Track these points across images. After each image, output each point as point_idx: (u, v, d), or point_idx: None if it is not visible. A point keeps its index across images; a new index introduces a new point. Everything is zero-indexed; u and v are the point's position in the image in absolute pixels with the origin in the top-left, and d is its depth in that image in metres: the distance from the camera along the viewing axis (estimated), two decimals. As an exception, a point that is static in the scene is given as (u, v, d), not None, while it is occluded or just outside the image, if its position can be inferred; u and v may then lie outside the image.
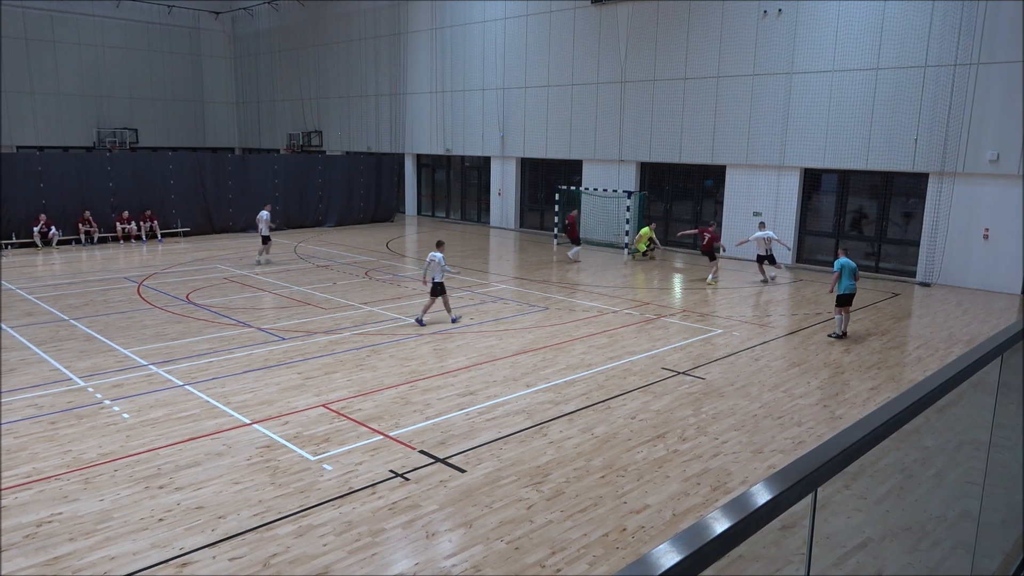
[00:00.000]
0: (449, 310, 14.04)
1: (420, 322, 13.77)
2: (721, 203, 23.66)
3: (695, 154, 23.76)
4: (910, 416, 2.51)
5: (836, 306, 13.42)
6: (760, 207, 22.41)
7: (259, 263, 20.50)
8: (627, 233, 23.99)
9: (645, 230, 23.39)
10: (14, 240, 22.65)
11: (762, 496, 1.80)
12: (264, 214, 20.61)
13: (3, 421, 8.89)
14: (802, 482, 1.92)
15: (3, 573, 5.82)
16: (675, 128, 24.11)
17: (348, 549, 6.19)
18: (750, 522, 1.71)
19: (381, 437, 8.55)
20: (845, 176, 21.16)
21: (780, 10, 21.10)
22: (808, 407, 9.89)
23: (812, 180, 21.87)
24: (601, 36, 25.71)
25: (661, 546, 1.51)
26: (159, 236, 25.13)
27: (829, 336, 13.45)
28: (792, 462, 2.02)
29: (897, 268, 20.33)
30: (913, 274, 19.73)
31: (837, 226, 21.58)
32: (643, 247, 23.49)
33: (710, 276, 18.98)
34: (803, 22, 20.77)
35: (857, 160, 20.22)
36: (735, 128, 22.63)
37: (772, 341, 13.21)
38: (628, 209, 23.94)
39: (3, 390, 10.00)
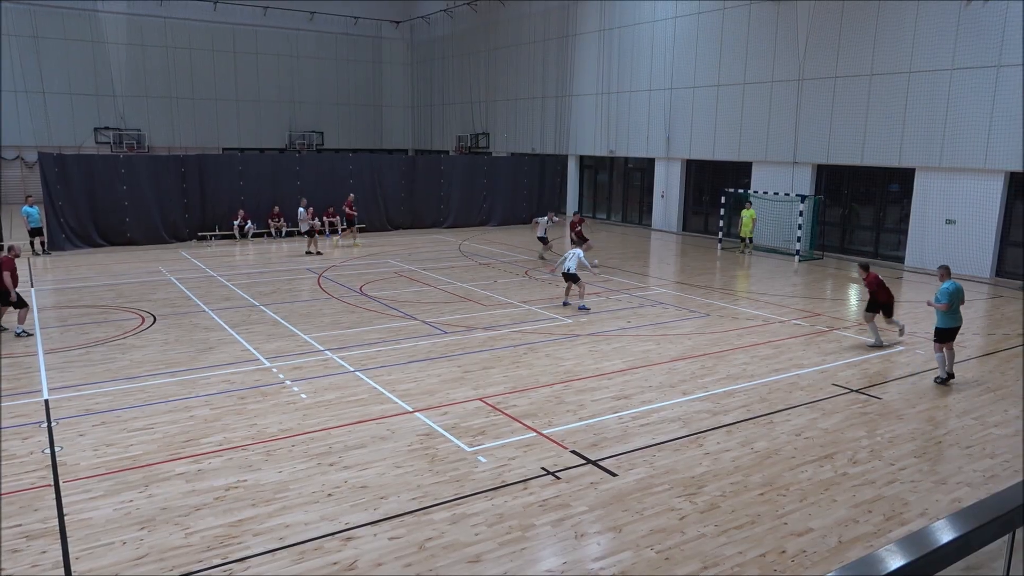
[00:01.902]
0: (582, 297, 15.36)
1: (565, 303, 15.48)
2: (908, 208, 21.75)
3: (880, 156, 22.00)
4: None
5: (937, 342, 10.74)
6: (956, 215, 20.35)
7: (309, 252, 22.21)
8: (799, 239, 22.71)
9: (751, 211, 22.71)
10: (217, 232, 25.25)
11: (947, 532, 1.63)
12: (301, 210, 22.46)
13: (202, 394, 9.94)
14: (997, 521, 1.73)
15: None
16: (858, 128, 22.46)
17: (498, 541, 6.33)
18: (933, 560, 1.56)
19: (534, 434, 8.67)
20: (1061, 181, 18.73)
21: (987, -3, 19.02)
22: (1004, 438, 8.86)
23: (1020, 186, 19.54)
24: (778, 32, 24.48)
25: (828, 575, 1.42)
26: (339, 231, 27.01)
27: (936, 381, 10.84)
28: (986, 498, 1.82)
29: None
30: None
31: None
32: (749, 233, 22.86)
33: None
34: (1014, 10, 18.58)
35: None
36: (928, 127, 20.69)
37: (964, 362, 11.95)
38: (801, 214, 22.64)
39: (204, 365, 11.18)
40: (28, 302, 13.37)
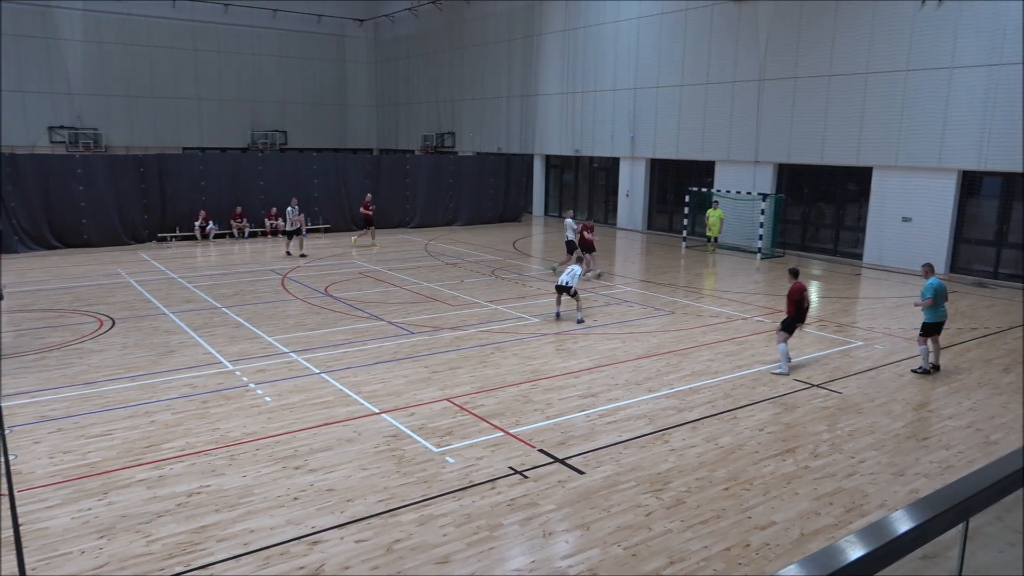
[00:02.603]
0: (579, 309, 14.55)
1: (558, 315, 14.58)
2: (866, 207, 22.24)
3: (839, 155, 22.46)
4: (1083, 447, 2.25)
5: (923, 335, 11.20)
6: (911, 212, 20.86)
7: (297, 255, 21.65)
8: (761, 238, 23.07)
9: (719, 211, 22.87)
10: (177, 233, 24.79)
11: (905, 523, 1.67)
12: (290, 210, 21.90)
13: (163, 398, 9.75)
14: (951, 511, 1.77)
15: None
16: (817, 127, 22.89)
17: (467, 541, 6.32)
18: (891, 550, 1.60)
19: (502, 434, 8.68)
20: (1011, 179, 19.31)
21: (940, 0, 19.53)
22: (958, 430, 9.11)
23: (971, 184, 20.11)
24: (740, 33, 24.83)
25: (789, 567, 1.44)
26: (303, 231, 26.68)
27: (914, 371, 11.34)
28: (941, 488, 1.86)
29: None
30: (1090, 289, 17.72)
31: (999, 234, 19.74)
32: (716, 230, 23.06)
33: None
34: (967, 11, 19.11)
35: (1026, 162, 18.39)
36: (885, 127, 21.18)
37: (919, 357, 12.25)
38: (763, 213, 23.01)
39: (165, 369, 10.97)
40: None
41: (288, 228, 22.27)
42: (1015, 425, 9.27)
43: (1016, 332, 14.11)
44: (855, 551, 1.54)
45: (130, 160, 24.16)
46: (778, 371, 11.19)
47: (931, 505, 1.76)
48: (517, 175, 32.58)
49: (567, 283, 14.16)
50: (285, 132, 44.27)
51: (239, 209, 25.65)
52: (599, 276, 19.05)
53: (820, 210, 24.20)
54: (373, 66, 47.84)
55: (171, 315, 14.33)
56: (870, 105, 21.45)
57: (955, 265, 20.31)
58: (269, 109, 44.06)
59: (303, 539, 6.32)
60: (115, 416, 9.07)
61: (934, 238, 20.34)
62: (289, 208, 22.39)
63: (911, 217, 20.86)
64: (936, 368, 11.41)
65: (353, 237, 24.84)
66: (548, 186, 35.42)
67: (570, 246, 19.31)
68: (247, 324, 13.70)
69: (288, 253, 22.13)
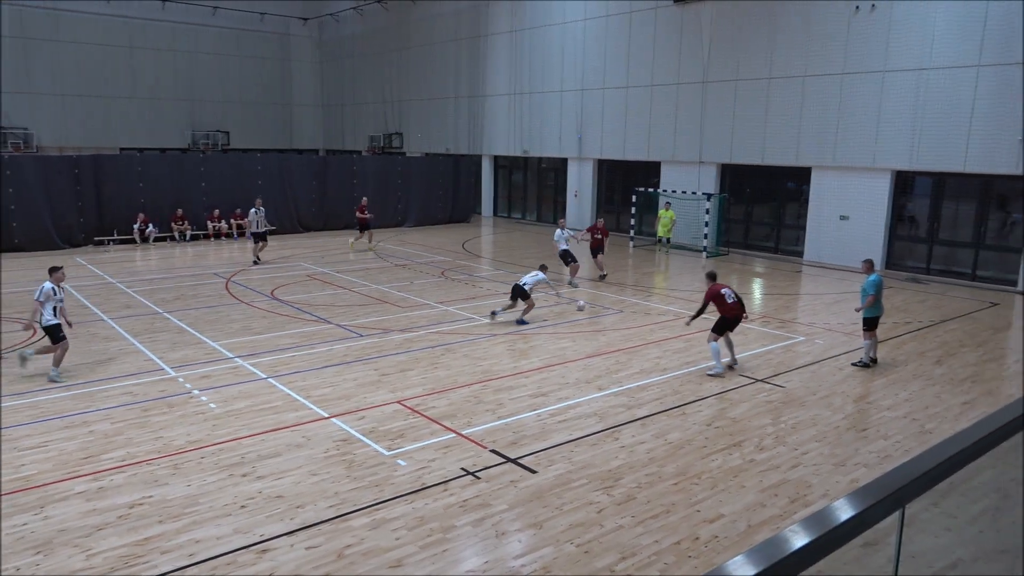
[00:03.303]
0: (525, 313, 14.45)
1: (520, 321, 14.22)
2: (805, 206, 22.91)
3: (779, 156, 23.06)
4: (1008, 434, 2.37)
5: (867, 330, 11.55)
6: (848, 211, 21.56)
7: (256, 262, 20.49)
8: (706, 236, 23.52)
9: (670, 213, 23.16)
10: (115, 236, 24.00)
11: (846, 511, 1.73)
12: (253, 211, 20.75)
13: (102, 407, 9.43)
14: (889, 498, 1.84)
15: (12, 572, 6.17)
16: (758, 129, 23.47)
17: (420, 544, 6.28)
18: (832, 538, 1.65)
19: (454, 435, 8.65)
20: (940, 179, 20.14)
21: (873, 6, 20.24)
22: (895, 420, 9.45)
23: (904, 183, 20.89)
24: (683, 36, 25.28)
25: (737, 558, 1.47)
26: (247, 234, 26.14)
27: (855, 364, 11.69)
28: (879, 477, 1.93)
29: (996, 276, 19.19)
30: (1014, 283, 18.59)
31: (931, 232, 20.56)
32: (667, 231, 23.31)
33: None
34: (898, 17, 19.86)
35: (954, 162, 19.20)
36: (822, 129, 21.84)
37: (858, 350, 12.66)
38: (708, 212, 23.47)
39: (103, 377, 10.60)
40: None
41: (256, 230, 20.64)
42: (948, 414, 9.66)
43: (948, 325, 14.70)
44: (799, 540, 1.59)
45: (63, 161, 23.29)
46: (712, 372, 11.14)
47: (870, 493, 1.82)
48: (466, 176, 32.52)
49: (527, 285, 13.95)
50: (227, 132, 43.26)
51: (180, 211, 24.98)
52: (575, 284, 18.38)
53: (781, 210, 24.62)
54: (318, 65, 47.15)
55: (110, 321, 13.87)
56: (808, 107, 22.10)
57: (890, 262, 21.06)
58: (210, 109, 43.01)
59: (251, 548, 6.19)
60: (50, 427, 8.73)
61: (870, 236, 21.06)
62: (253, 209, 21.00)
63: (848, 215, 21.55)
64: (874, 361, 11.81)
65: (350, 240, 24.06)
66: (497, 187, 35.46)
67: (566, 256, 18.25)
68: (190, 329, 13.36)
69: (256, 260, 20.69)
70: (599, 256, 19.02)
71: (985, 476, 2.74)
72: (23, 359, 10.66)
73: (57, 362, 10.54)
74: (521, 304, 14.26)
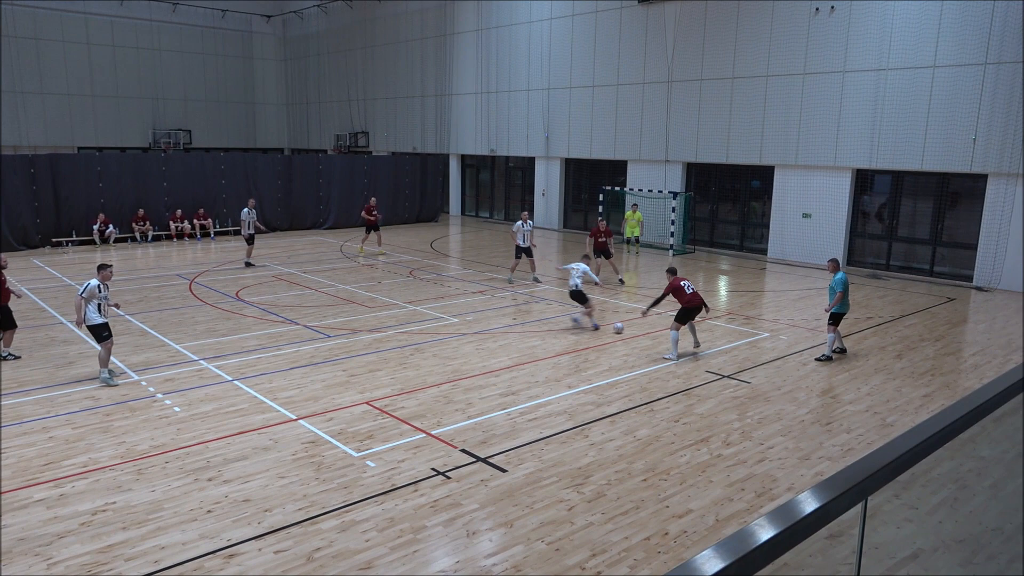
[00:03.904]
0: (591, 316, 13.96)
1: (595, 326, 13.81)
2: (769, 204, 23.26)
3: (743, 154, 23.38)
4: (966, 425, 2.43)
5: (832, 325, 11.92)
6: (811, 208, 21.95)
7: (249, 264, 19.96)
8: (672, 234, 23.74)
9: (638, 214, 23.21)
10: (74, 237, 23.46)
11: (810, 504, 1.76)
12: (245, 211, 20.00)
13: (62, 412, 9.22)
14: (852, 490, 1.87)
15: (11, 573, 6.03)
16: (722, 128, 23.76)
17: (390, 545, 6.25)
18: (797, 530, 1.68)
19: (423, 435, 8.62)
20: (899, 177, 20.60)
21: (832, 7, 20.62)
22: (858, 414, 9.65)
23: (864, 181, 21.33)
24: (648, 36, 25.49)
25: (704, 552, 1.49)
26: (211, 234, 25.75)
27: (818, 359, 11.96)
28: (841, 470, 1.97)
29: (952, 272, 19.70)
30: (970, 278, 19.10)
31: (889, 229, 21.03)
32: (636, 232, 23.36)
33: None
34: (856, 19, 20.27)
35: (912, 161, 19.66)
36: (784, 128, 22.20)
37: (821, 345, 12.90)
38: (674, 210, 23.69)
39: (63, 382, 10.36)
40: (16, 322, 11.82)
41: (248, 232, 19.90)
42: (908, 407, 9.89)
43: (908, 320, 15.05)
44: (765, 533, 1.61)
45: (19, 160, 22.66)
46: (667, 357, 11.79)
47: (833, 486, 1.85)
48: (433, 175, 32.40)
49: (577, 286, 13.66)
50: (189, 131, 42.48)
51: (141, 211, 24.50)
52: (515, 280, 18.49)
53: (756, 209, 24.40)
54: (282, 63, 46.56)
55: (69, 324, 13.54)
56: (771, 107, 22.44)
57: (851, 258, 21.49)
58: (172, 107, 42.21)
59: (218, 553, 6.10)
60: (8, 433, 8.51)
61: (832, 233, 21.47)
62: (245, 210, 20.16)
63: (810, 213, 21.94)
64: (843, 351, 12.33)
65: (359, 245, 23.15)
66: (464, 186, 35.40)
67: (523, 251, 18.18)
68: (153, 332, 13.11)
69: (249, 262, 20.18)
70: (611, 259, 18.53)
71: (944, 467, 2.81)
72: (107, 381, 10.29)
73: (104, 362, 10.32)
74: (584, 307, 13.88)
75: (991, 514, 3.87)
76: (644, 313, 12.88)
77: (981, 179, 18.71)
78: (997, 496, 3.72)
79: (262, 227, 20.47)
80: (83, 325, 10.28)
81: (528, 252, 18.31)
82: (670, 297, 12.04)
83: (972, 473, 3.39)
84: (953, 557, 3.59)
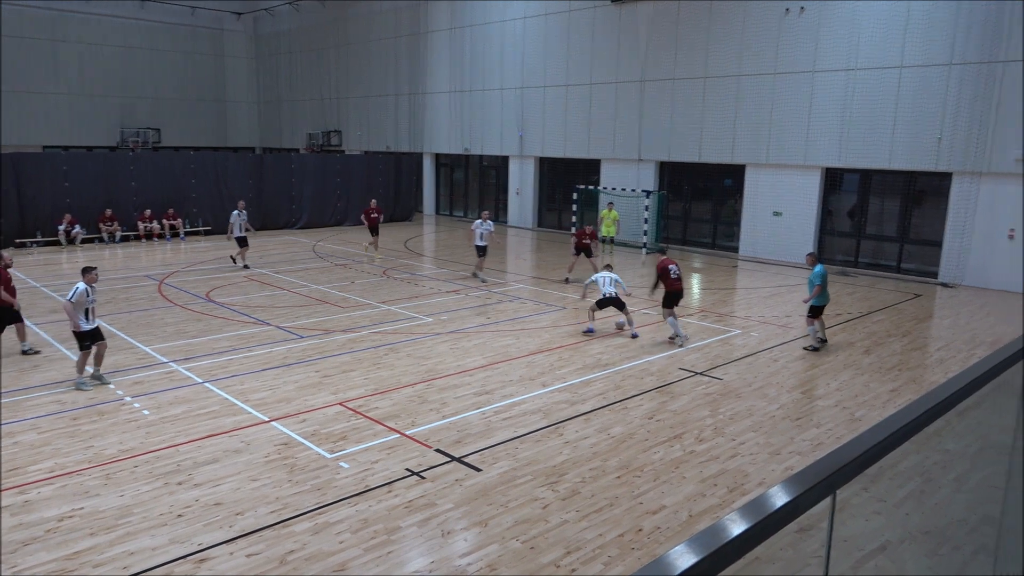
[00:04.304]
0: (631, 324, 13.42)
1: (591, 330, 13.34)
2: (740, 203, 23.51)
3: (715, 153, 23.60)
4: (931, 419, 2.47)
5: (811, 317, 12.40)
6: (781, 207, 22.22)
7: (246, 267, 19.57)
8: (645, 233, 23.89)
9: (614, 213, 23.20)
10: (39, 238, 22.98)
11: (780, 498, 1.77)
12: (235, 213, 19.57)
13: (28, 417, 9.02)
14: (821, 484, 1.89)
15: (7, 572, 5.91)
16: (695, 127, 23.96)
17: (364, 547, 6.21)
18: (768, 524, 1.69)
19: (398, 436, 8.58)
20: (867, 175, 20.93)
21: (803, 8, 20.90)
22: (827, 409, 9.79)
23: (833, 180, 21.64)
24: (621, 35, 25.62)
25: (677, 547, 1.50)
26: (181, 234, 25.39)
27: (805, 349, 12.46)
28: (811, 464, 1.99)
29: (919, 269, 20.07)
30: (935, 275, 19.47)
31: (858, 226, 21.36)
32: (612, 231, 23.38)
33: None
34: (826, 20, 20.56)
35: (880, 159, 19.99)
36: (756, 127, 22.45)
37: (791, 342, 13.08)
38: (647, 209, 23.84)
39: (29, 386, 10.14)
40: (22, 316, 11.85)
41: (238, 234, 19.42)
42: (876, 402, 10.06)
43: (876, 316, 15.30)
44: (737, 527, 1.62)
45: (-19, 160, 22.18)
46: (674, 338, 12.69)
47: (802, 480, 1.87)
48: (407, 174, 32.26)
49: (614, 294, 13.05)
50: (159, 130, 41.83)
51: (109, 211, 24.07)
52: (485, 278, 18.51)
53: (732, 208, 24.47)
54: (253, 61, 46.06)
55: (34, 327, 13.26)
56: (742, 106, 22.67)
57: (820, 256, 21.74)
58: (140, 105, 41.54)
59: (189, 557, 6.02)
60: (-29, 439, 8.31)
61: (802, 231, 21.76)
62: (235, 212, 19.71)
63: (781, 212, 22.21)
64: (824, 341, 12.67)
65: (365, 245, 22.85)
66: (439, 185, 35.30)
67: (480, 250, 18.36)
68: (121, 334, 12.89)
69: (234, 260, 19.87)
70: (592, 259, 18.55)
71: (911, 461, 2.86)
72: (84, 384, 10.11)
73: (81, 368, 10.14)
74: (622, 315, 13.48)
75: (956, 506, 3.95)
76: (651, 295, 13.53)
77: (946, 177, 19.09)
78: (961, 488, 3.79)
79: (251, 228, 20.04)
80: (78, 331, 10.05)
81: (482, 251, 18.49)
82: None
83: (938, 466, 3.45)
84: (920, 548, 3.66)
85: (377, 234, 22.55)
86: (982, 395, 2.89)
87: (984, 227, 18.45)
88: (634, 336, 13.19)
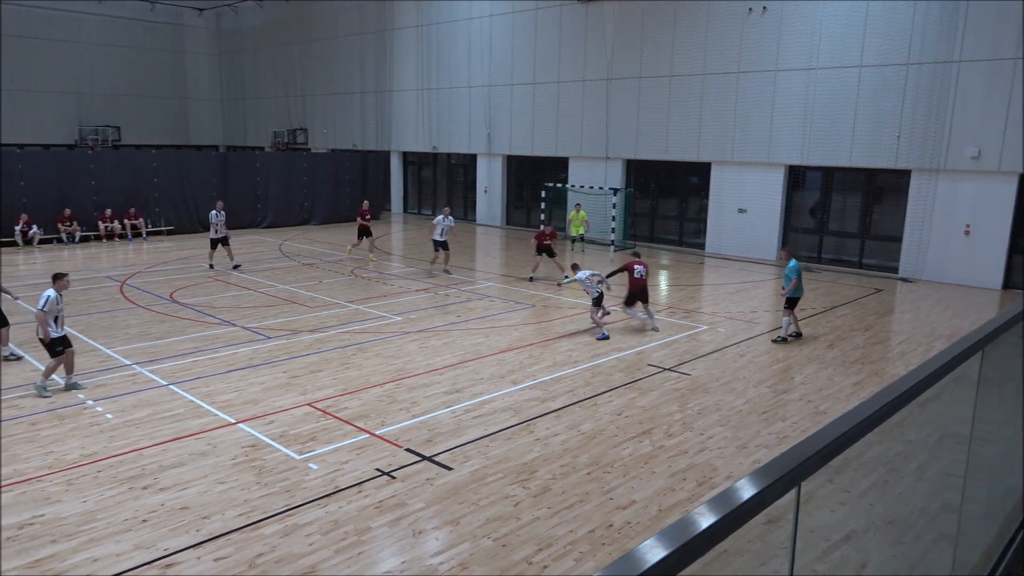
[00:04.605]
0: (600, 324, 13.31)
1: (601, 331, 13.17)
2: (707, 200, 23.77)
3: (681, 151, 23.82)
4: (893, 410, 2.53)
5: (788, 308, 12.79)
6: (746, 204, 22.52)
7: (231, 266, 19.17)
8: (613, 230, 24.04)
9: (582, 214, 23.30)
10: (-6, 239, 22.36)
11: (747, 491, 1.80)
12: (214, 214, 19.06)
13: (-17, 422, 8.78)
14: (786, 477, 1.93)
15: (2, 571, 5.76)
16: (661, 125, 24.16)
17: (334, 548, 6.16)
18: (735, 517, 1.72)
19: (367, 436, 8.53)
20: (829, 173, 21.31)
21: (765, 8, 21.19)
22: (792, 402, 9.96)
23: (796, 177, 21.99)
24: (587, 33, 25.72)
25: (647, 541, 1.51)
26: (143, 234, 24.91)
27: (775, 341, 12.84)
28: (776, 457, 2.02)
29: (880, 264, 20.49)
30: (895, 270, 19.90)
31: (821, 223, 21.73)
32: (581, 230, 23.52)
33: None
34: (788, 20, 20.88)
35: (841, 157, 20.37)
36: (721, 125, 22.71)
37: (757, 337, 13.28)
38: (615, 206, 23.98)
39: (-17, 391, 9.88)
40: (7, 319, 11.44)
41: (215, 235, 18.92)
42: (840, 395, 10.26)
43: (839, 311, 15.59)
44: (705, 520, 1.65)
45: (-68, 158, 21.49)
46: (603, 317, 13.24)
47: (769, 473, 1.90)
48: (374, 172, 32.01)
49: (592, 289, 13.17)
50: (118, 128, 40.95)
51: (68, 211, 23.50)
52: (435, 273, 18.85)
53: (704, 204, 24.64)
54: (215, 58, 45.30)
55: (-10, 330, 12.90)
56: (707, 104, 22.92)
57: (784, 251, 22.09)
58: (99, 103, 40.61)
59: (155, 563, 5.91)
60: (-76, 446, 8.06)
61: (766, 227, 22.08)
62: (213, 212, 19.13)
63: (746, 209, 22.51)
64: (799, 335, 13.11)
65: (348, 248, 21.91)
66: (406, 183, 35.11)
67: (440, 245, 18.77)
68: (82, 336, 12.60)
69: (211, 266, 19.26)
70: (555, 258, 18.50)
71: (874, 451, 2.92)
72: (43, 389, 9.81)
73: (48, 374, 9.82)
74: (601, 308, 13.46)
75: (918, 495, 4.04)
76: (605, 280, 13.56)
77: (905, 175, 19.51)
78: (923, 478, 3.89)
79: (220, 230, 19.14)
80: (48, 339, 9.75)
81: (445, 246, 18.89)
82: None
83: (900, 457, 3.53)
84: (883, 538, 3.74)
85: (370, 236, 21.44)
86: (941, 387, 2.96)
87: (941, 223, 18.91)
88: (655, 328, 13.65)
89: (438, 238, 18.83)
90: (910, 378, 2.69)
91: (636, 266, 13.36)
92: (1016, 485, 4.77)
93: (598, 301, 13.25)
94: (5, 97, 37.35)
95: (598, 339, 12.92)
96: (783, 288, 12.89)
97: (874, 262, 20.65)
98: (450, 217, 18.95)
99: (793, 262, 12.91)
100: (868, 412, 2.36)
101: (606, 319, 13.50)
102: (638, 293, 13.36)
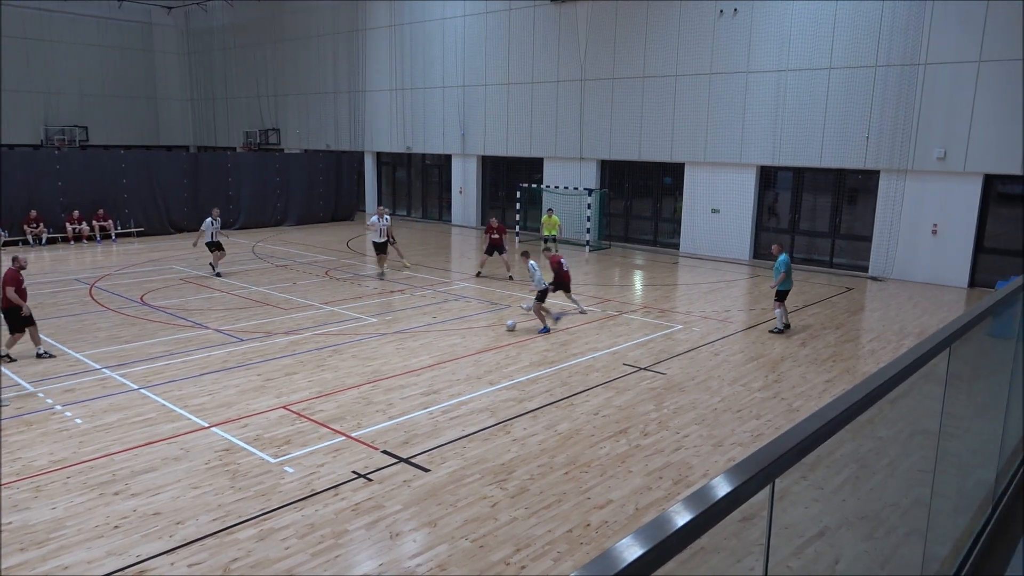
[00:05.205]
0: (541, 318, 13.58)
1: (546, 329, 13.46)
2: (681, 200, 23.95)
3: (654, 152, 23.99)
4: (864, 407, 2.57)
5: (778, 301, 13.61)
6: (719, 204, 22.73)
7: (219, 274, 18.66)
8: (588, 231, 24.12)
9: (554, 219, 23.32)
10: (-43, 241, 21.86)
11: (722, 489, 1.82)
12: (208, 221, 18.73)
13: (-52, 429, 8.58)
14: (760, 474, 1.95)
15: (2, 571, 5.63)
16: (634, 126, 24.30)
17: (311, 551, 6.12)
18: (711, 514, 1.74)
19: (343, 438, 8.47)
20: (800, 173, 21.59)
21: (736, 10, 21.41)
22: (766, 400, 10.07)
23: (768, 178, 22.25)
24: (561, 34, 25.79)
25: (624, 540, 1.52)
26: (112, 236, 24.51)
27: (771, 331, 13.62)
28: (751, 455, 2.05)
29: (850, 263, 20.80)
30: (866, 269, 20.22)
31: (792, 222, 22.02)
32: (553, 232, 23.55)
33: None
34: (758, 22, 21.12)
35: (811, 157, 20.65)
36: (693, 126, 22.90)
37: (731, 336, 13.42)
38: (589, 207, 24.07)
39: (-52, 397, 9.65)
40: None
41: (209, 240, 18.56)
42: (813, 392, 10.40)
43: (811, 310, 15.80)
44: (681, 518, 1.66)
45: None
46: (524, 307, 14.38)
47: (744, 470, 1.93)
48: (348, 173, 31.82)
49: (540, 282, 13.60)
50: (86, 128, 40.24)
51: (34, 213, 23.05)
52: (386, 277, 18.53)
53: (678, 205, 24.74)
54: (186, 57, 44.69)
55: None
56: (680, 105, 23.10)
57: (757, 251, 22.38)
58: (65, 102, 39.86)
59: (127, 570, 5.82)
60: None
61: (739, 227, 22.31)
62: (208, 220, 18.77)
63: (719, 209, 22.73)
64: (787, 326, 13.69)
65: (404, 262, 20.36)
66: (381, 184, 34.92)
67: (379, 247, 18.70)
68: (50, 340, 12.37)
69: (213, 265, 18.80)
70: (504, 255, 18.53)
71: (846, 448, 2.96)
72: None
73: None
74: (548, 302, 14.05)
75: (889, 490, 4.11)
76: (551, 285, 14.07)
77: (874, 175, 19.84)
78: (894, 473, 3.95)
79: (217, 237, 18.82)
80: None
81: (384, 248, 18.75)
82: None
83: (872, 453, 3.59)
84: (856, 533, 3.79)
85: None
86: (911, 383, 3.02)
87: (909, 223, 19.25)
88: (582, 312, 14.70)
89: (377, 240, 18.58)
90: (880, 375, 2.74)
91: (562, 260, 14.55)
92: (985, 479, 4.88)
93: (542, 296, 13.61)
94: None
95: (540, 332, 13.24)
96: (773, 281, 13.60)
97: (844, 261, 20.96)
98: (385, 217, 18.71)
99: (783, 256, 13.52)
100: (840, 409, 2.40)
101: (558, 319, 14.04)
102: (567, 283, 14.51)
